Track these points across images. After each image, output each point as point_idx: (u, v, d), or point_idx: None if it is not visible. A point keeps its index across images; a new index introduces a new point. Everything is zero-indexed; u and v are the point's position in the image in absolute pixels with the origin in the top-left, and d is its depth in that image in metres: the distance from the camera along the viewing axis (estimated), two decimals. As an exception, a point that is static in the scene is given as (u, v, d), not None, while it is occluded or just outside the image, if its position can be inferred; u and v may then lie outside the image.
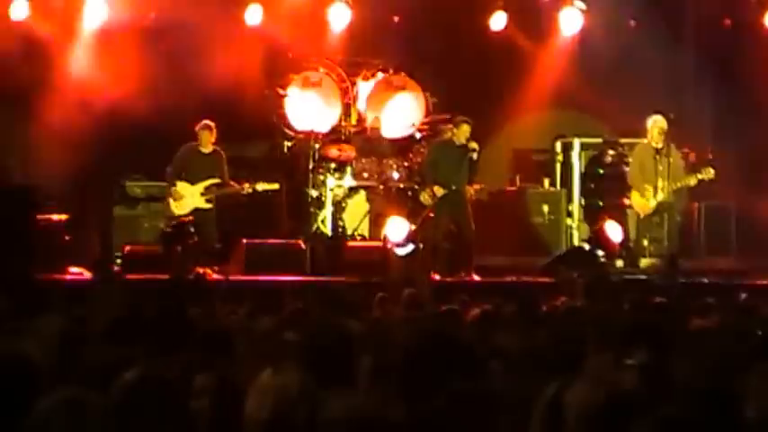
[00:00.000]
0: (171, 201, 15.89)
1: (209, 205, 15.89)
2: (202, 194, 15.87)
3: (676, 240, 16.33)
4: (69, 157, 16.18)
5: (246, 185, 15.90)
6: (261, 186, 15.96)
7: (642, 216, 16.32)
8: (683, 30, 19.14)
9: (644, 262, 16.57)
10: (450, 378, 5.31)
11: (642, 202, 16.21)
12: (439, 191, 15.78)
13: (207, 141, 15.86)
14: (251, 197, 16.78)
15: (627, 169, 16.88)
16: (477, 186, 16.04)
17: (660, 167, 15.95)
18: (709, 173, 16.12)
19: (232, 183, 15.94)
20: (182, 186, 15.89)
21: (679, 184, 16.06)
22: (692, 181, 16.17)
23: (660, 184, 15.96)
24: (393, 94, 17.66)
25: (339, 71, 17.63)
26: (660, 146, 15.99)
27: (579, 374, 5.52)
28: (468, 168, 15.88)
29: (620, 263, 16.55)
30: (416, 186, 16.55)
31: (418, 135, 17.53)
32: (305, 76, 17.47)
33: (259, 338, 7.59)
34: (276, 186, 16.09)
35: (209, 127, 15.84)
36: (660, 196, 15.99)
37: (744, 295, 11.84)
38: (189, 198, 15.86)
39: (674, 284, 15.23)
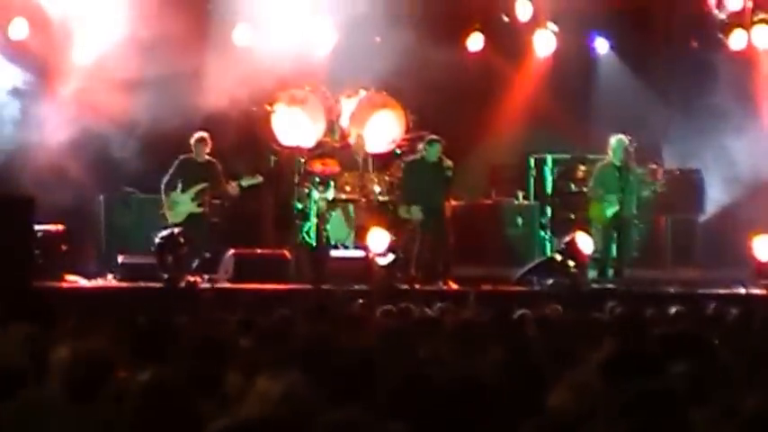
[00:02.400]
0: (167, 210, 16.37)
1: (201, 210, 16.33)
2: (193, 200, 16.36)
3: (631, 252, 16.86)
4: (66, 171, 16.55)
5: (233, 184, 16.31)
6: (245, 182, 16.36)
7: (602, 228, 16.77)
8: (651, 51, 19.70)
9: (609, 273, 16.96)
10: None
11: (599, 213, 16.69)
12: (416, 212, 16.32)
13: (202, 153, 16.34)
14: (240, 209, 17.32)
15: (589, 184, 17.24)
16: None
17: (621, 184, 16.41)
18: (662, 185, 16.83)
19: (232, 183, 16.32)
20: (175, 195, 16.33)
21: (639, 199, 16.66)
22: (648, 192, 16.79)
23: (621, 198, 16.44)
24: (374, 112, 17.96)
25: (323, 89, 17.96)
26: (622, 163, 16.50)
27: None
28: (444, 185, 16.40)
29: (590, 273, 16.84)
30: (395, 200, 17.08)
31: (398, 151, 17.92)
32: (291, 93, 17.79)
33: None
34: (260, 179, 16.47)
35: (204, 140, 16.32)
36: (624, 211, 16.47)
37: (705, 304, 12.34)
38: (182, 205, 16.29)
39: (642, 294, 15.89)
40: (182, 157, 16.43)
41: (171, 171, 16.40)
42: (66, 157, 16.60)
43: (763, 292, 16.13)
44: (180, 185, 16.33)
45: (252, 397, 5.58)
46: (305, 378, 5.67)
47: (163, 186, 16.40)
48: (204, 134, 16.40)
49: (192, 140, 16.37)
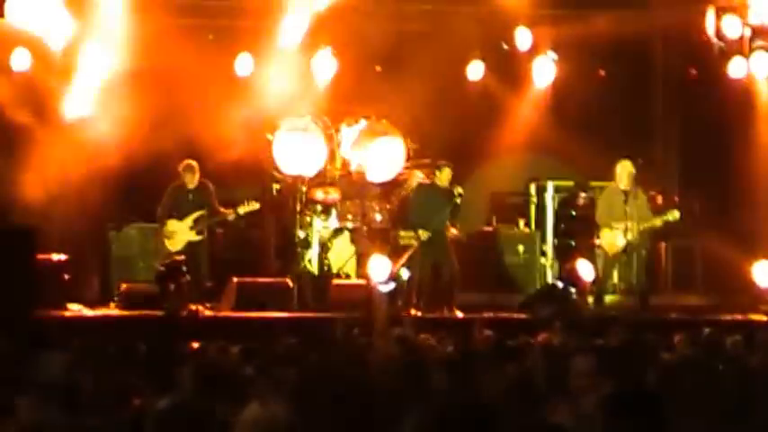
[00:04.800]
0: (165, 240, 16.48)
1: (200, 237, 16.44)
2: (191, 228, 16.47)
3: (644, 278, 16.95)
4: (68, 200, 16.64)
5: (230, 211, 16.38)
6: (242, 209, 16.43)
7: (610, 255, 16.85)
8: (650, 79, 19.81)
9: (609, 299, 17.12)
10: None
11: (611, 241, 16.74)
12: (424, 234, 16.35)
13: (191, 180, 16.43)
14: (242, 237, 17.36)
15: (597, 210, 17.25)
16: (455, 231, 16.76)
17: (628, 209, 16.47)
18: (674, 215, 16.72)
19: (222, 210, 16.45)
20: (171, 224, 16.43)
21: (646, 226, 16.61)
22: (658, 222, 16.73)
23: (628, 224, 16.47)
24: (375, 140, 18.04)
25: (325, 118, 18.03)
26: (628, 188, 16.62)
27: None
28: (451, 211, 16.49)
29: (591, 300, 16.91)
30: (396, 228, 17.18)
31: (399, 179, 17.97)
32: (292, 122, 17.85)
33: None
34: (257, 206, 16.55)
35: (191, 167, 16.42)
36: (628, 236, 16.51)
37: (706, 330, 12.35)
38: (180, 234, 16.40)
39: (644, 320, 15.94)
40: (172, 185, 16.53)
41: (163, 200, 16.52)
42: (69, 186, 16.65)
43: (763, 318, 16.17)
44: (174, 213, 16.38)
45: (239, 424, 5.58)
46: (301, 406, 5.70)
47: (158, 216, 16.51)
48: (192, 162, 16.50)
49: (181, 169, 16.50)
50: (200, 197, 16.50)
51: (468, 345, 10.77)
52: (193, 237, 16.44)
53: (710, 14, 18.26)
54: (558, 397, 6.62)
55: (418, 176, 17.56)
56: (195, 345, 10.29)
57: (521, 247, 18.27)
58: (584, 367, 7.25)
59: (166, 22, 17.17)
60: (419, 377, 7.90)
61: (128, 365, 8.31)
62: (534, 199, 18.93)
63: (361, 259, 17.02)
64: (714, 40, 18.39)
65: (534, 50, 18.60)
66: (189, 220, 16.42)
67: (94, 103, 17.18)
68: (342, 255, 17.28)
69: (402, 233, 16.81)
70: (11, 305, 14.06)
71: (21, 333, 10.78)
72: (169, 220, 16.47)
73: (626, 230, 16.53)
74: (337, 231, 17.36)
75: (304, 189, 17.47)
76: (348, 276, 17.16)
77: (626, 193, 16.62)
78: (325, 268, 17.11)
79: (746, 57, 18.29)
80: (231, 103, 17.24)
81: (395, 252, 16.79)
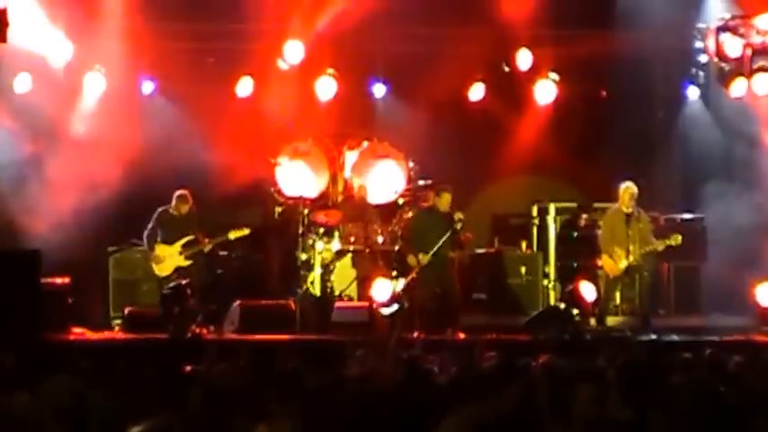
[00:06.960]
0: (153, 265, 16.54)
1: (188, 262, 16.48)
2: (180, 253, 16.51)
3: (647, 300, 16.99)
4: (71, 224, 16.70)
5: (207, 241, 16.41)
6: (233, 235, 16.48)
7: (612, 277, 16.84)
8: (651, 99, 19.85)
9: (611, 320, 17.10)
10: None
11: (612, 264, 16.66)
12: (424, 258, 16.38)
13: (181, 209, 16.49)
14: (245, 260, 17.40)
15: (599, 232, 17.30)
16: (458, 252, 16.78)
17: (630, 232, 16.43)
18: (677, 239, 16.68)
19: (205, 240, 16.48)
20: (161, 249, 16.49)
21: (648, 249, 16.57)
22: (661, 246, 16.67)
23: (630, 247, 16.45)
24: (377, 162, 18.14)
25: (326, 141, 18.12)
26: (630, 211, 16.58)
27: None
28: (450, 237, 16.44)
29: (593, 321, 16.89)
30: (398, 249, 17.19)
31: (401, 201, 18.05)
32: (294, 145, 17.99)
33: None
34: (247, 231, 16.58)
35: (184, 197, 16.49)
36: (630, 259, 16.50)
37: (709, 351, 12.34)
38: (169, 259, 16.47)
39: (645, 341, 15.93)
40: (160, 209, 16.59)
41: (151, 224, 16.58)
42: (72, 209, 16.69)
43: (766, 339, 16.15)
44: (160, 237, 16.47)
45: None
46: (308, 428, 5.72)
47: (145, 240, 16.59)
48: (184, 192, 16.56)
49: (174, 198, 16.54)
50: (187, 223, 16.55)
51: (470, 366, 10.74)
52: (182, 262, 16.50)
53: (711, 34, 18.30)
54: (558, 419, 6.62)
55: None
56: (199, 367, 10.29)
57: (523, 269, 18.26)
58: (588, 395, 7.25)
59: (167, 46, 17.23)
60: (424, 398, 7.90)
61: (133, 388, 8.30)
62: (536, 220, 18.91)
63: (363, 281, 17.02)
64: (715, 59, 18.44)
65: (535, 71, 18.67)
66: (177, 246, 16.46)
67: (95, 126, 17.24)
68: (344, 277, 17.32)
69: (409, 256, 16.75)
70: (16, 328, 14.10)
71: (26, 356, 10.78)
72: (158, 244, 16.48)
73: (628, 253, 16.52)
74: (339, 254, 17.40)
75: (306, 211, 17.48)
76: (350, 299, 17.17)
77: (628, 215, 16.60)
78: (328, 290, 17.15)
79: (747, 77, 18.33)
80: (233, 125, 17.28)
81: (398, 274, 16.78)
